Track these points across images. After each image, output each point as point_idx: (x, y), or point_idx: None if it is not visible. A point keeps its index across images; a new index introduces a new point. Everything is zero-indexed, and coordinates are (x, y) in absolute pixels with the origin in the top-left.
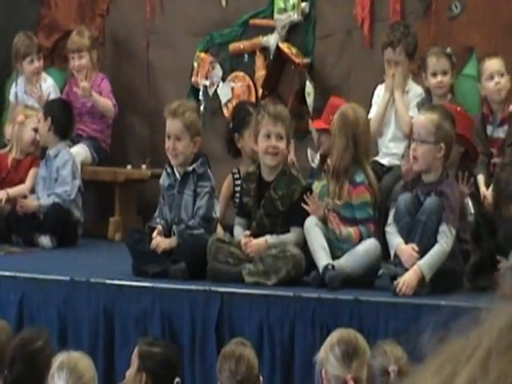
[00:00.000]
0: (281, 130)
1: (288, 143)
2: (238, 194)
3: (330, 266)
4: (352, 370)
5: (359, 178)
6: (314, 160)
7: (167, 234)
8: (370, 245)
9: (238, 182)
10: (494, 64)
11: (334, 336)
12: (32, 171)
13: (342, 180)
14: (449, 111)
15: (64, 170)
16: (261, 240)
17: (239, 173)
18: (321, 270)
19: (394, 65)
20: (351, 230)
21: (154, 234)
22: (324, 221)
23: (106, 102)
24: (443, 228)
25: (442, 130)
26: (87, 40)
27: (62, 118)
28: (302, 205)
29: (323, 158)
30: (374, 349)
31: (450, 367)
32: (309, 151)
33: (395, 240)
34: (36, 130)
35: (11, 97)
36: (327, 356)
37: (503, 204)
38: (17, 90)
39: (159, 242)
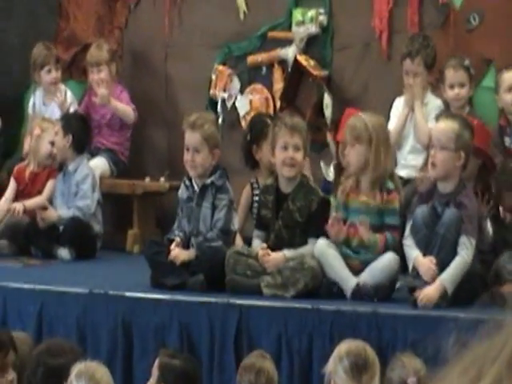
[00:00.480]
0: (298, 140)
1: (305, 154)
2: (255, 205)
3: (361, 283)
4: None
5: (391, 185)
6: (328, 173)
7: (185, 245)
8: (389, 259)
9: (257, 192)
10: None
11: (342, 347)
12: (49, 183)
13: (376, 188)
14: (468, 121)
15: (84, 184)
16: (279, 254)
17: (257, 183)
18: (351, 289)
19: (413, 76)
20: (377, 237)
21: (173, 245)
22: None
23: (126, 108)
24: (463, 240)
25: (462, 139)
26: (106, 53)
27: (82, 133)
28: (327, 229)
29: (338, 171)
30: (392, 361)
31: (476, 368)
32: (322, 164)
33: (413, 253)
34: (52, 143)
35: (29, 109)
36: (336, 368)
37: (507, 195)
38: (35, 100)
39: (178, 253)
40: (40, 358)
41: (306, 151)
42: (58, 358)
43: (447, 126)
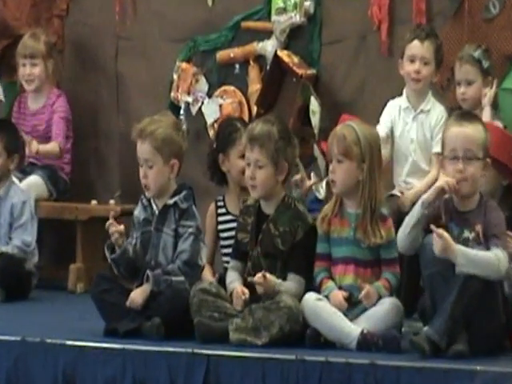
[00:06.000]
0: (258, 156)
1: (276, 171)
2: (220, 227)
3: (365, 331)
4: None
5: (384, 210)
6: (319, 189)
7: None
8: (391, 306)
9: (222, 211)
10: None
11: None
12: None
13: (367, 216)
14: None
15: (22, 216)
16: (272, 279)
17: (224, 200)
18: (356, 339)
19: (423, 64)
20: (380, 285)
21: (110, 220)
22: None
23: (51, 148)
24: (494, 251)
25: (487, 143)
26: (43, 45)
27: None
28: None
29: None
30: None
31: None
32: (313, 177)
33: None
34: None
35: None
36: None
37: None
38: None
39: (134, 297)
40: None
41: (276, 167)
42: None
43: (473, 131)
